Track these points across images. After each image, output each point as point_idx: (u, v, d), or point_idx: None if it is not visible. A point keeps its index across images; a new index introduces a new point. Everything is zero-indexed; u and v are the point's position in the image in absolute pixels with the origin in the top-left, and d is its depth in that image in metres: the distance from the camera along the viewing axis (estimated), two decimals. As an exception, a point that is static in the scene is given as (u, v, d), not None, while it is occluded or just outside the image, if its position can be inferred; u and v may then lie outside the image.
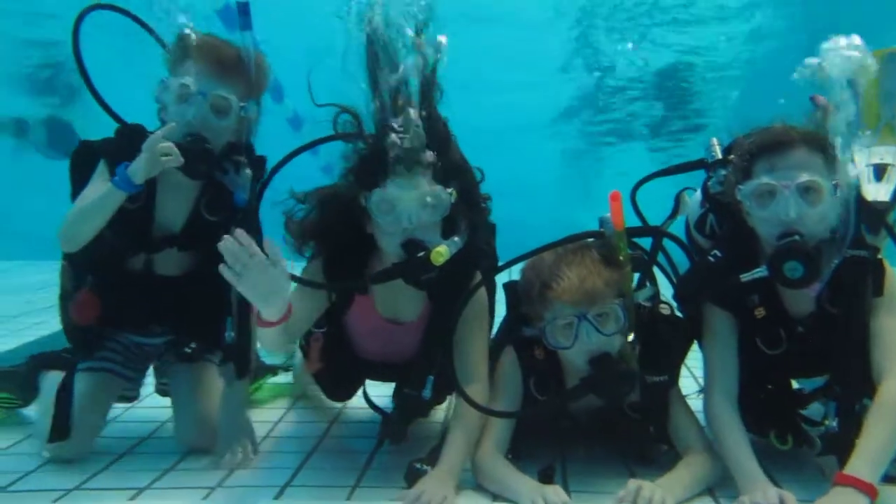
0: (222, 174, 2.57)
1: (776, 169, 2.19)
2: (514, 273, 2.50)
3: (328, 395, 2.88)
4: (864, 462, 2.05)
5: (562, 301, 2.24)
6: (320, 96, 2.39)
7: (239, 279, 2.00)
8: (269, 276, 2.02)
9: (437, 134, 2.26)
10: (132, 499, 2.29)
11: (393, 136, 2.19)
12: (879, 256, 2.29)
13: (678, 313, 2.47)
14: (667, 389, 2.42)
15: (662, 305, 2.44)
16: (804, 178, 2.16)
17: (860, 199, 2.35)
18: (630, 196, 2.62)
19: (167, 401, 3.36)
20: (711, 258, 2.34)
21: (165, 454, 2.67)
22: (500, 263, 2.61)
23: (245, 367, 2.61)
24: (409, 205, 2.21)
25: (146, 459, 2.65)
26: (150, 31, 2.67)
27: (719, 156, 2.47)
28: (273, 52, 2.67)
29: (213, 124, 2.50)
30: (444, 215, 2.28)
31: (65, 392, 2.55)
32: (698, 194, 2.62)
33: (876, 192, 2.68)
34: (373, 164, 2.25)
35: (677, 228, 2.59)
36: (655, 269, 2.51)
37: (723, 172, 2.42)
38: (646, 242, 2.55)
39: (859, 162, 2.79)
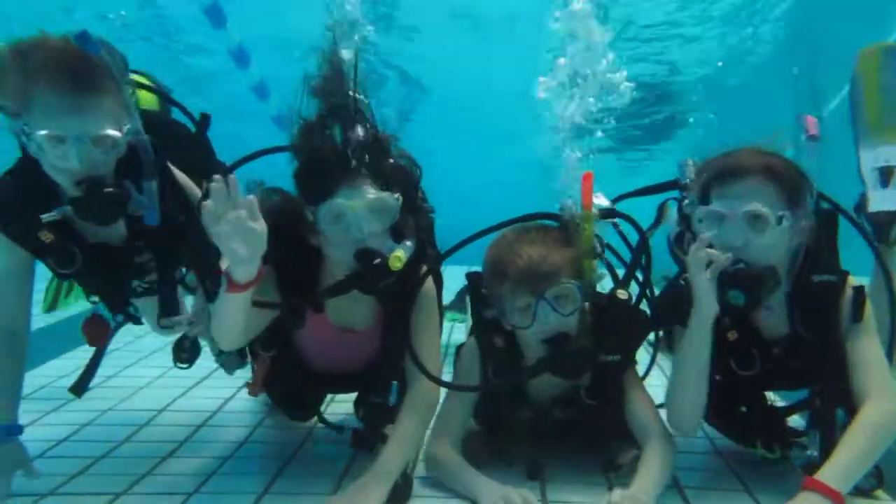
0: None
1: (726, 196, 2.22)
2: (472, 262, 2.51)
3: (289, 417, 2.83)
4: (834, 471, 2.07)
5: (520, 279, 2.28)
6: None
7: (220, 233, 1.89)
8: (248, 233, 1.90)
9: (374, 139, 2.23)
10: (108, 504, 2.28)
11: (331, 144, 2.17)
12: (858, 284, 2.29)
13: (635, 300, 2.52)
14: (620, 371, 2.45)
15: (620, 291, 2.48)
16: (750, 206, 2.17)
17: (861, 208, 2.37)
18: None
19: (145, 404, 3.35)
20: (683, 281, 2.35)
21: (143, 458, 2.65)
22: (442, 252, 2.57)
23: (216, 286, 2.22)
24: (358, 213, 2.17)
25: (123, 464, 2.62)
26: None
27: (693, 177, 2.47)
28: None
29: (102, 160, 2.23)
30: (393, 221, 2.26)
31: None
32: (676, 211, 2.64)
33: (882, 201, 2.68)
34: (315, 178, 2.21)
35: (660, 239, 2.61)
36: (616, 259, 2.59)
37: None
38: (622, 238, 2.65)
39: (864, 164, 2.80)
